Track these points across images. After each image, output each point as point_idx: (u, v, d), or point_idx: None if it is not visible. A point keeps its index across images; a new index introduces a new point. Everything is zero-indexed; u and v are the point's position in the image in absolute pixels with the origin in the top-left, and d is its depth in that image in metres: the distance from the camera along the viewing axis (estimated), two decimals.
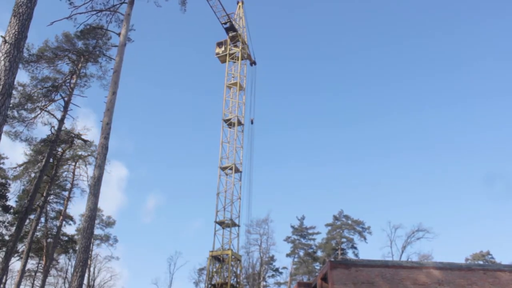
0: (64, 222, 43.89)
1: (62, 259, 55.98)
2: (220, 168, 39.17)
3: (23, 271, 34.13)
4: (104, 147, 16.44)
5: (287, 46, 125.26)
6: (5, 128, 28.33)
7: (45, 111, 29.49)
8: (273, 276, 64.41)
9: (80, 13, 20.33)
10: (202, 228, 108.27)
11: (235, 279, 36.24)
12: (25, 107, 28.76)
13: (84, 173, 42.49)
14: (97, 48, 30.15)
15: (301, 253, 63.15)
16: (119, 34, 19.22)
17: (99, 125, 17.15)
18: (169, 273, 60.63)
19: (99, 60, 30.95)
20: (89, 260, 51.18)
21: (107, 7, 20.71)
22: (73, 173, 43.05)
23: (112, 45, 29.46)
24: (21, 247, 42.53)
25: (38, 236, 44.43)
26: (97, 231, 57.10)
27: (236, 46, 43.80)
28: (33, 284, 49.78)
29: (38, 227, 39.68)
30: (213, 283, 35.04)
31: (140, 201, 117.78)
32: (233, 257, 35.74)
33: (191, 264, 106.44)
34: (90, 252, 45.15)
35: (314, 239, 64.08)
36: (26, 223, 32.52)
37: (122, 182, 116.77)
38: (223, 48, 43.72)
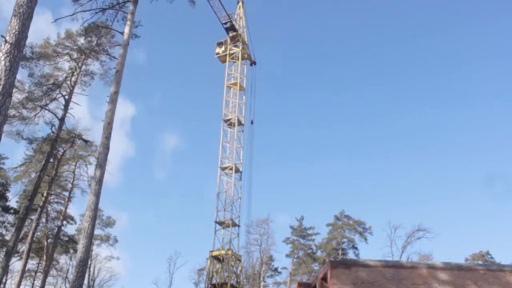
0: (64, 222, 43.94)
1: (62, 259, 56.04)
2: (220, 168, 39.17)
3: (23, 271, 34.16)
4: (105, 147, 16.43)
5: (287, 46, 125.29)
6: (6, 127, 28.28)
7: (46, 109, 29.36)
8: (271, 276, 64.51)
9: (84, 11, 20.29)
10: (202, 228, 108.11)
11: (235, 279, 36.24)
12: (26, 105, 28.64)
13: (85, 173, 42.52)
14: (99, 45, 29.94)
15: (301, 253, 63.17)
16: (122, 33, 19.18)
17: (100, 124, 17.15)
18: (169, 273, 60.61)
19: (100, 58, 30.82)
20: (89, 260, 51.14)
21: (112, 5, 20.65)
22: (74, 173, 43.09)
23: (115, 43, 29.24)
24: (22, 247, 42.52)
25: (39, 236, 44.43)
26: (97, 231, 57.13)
27: (236, 46, 43.77)
28: (33, 284, 49.83)
29: (39, 227, 39.71)
30: (213, 283, 35.05)
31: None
32: (233, 257, 35.75)
33: (191, 264, 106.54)
34: (90, 252, 45.21)
35: (313, 240, 64.18)
36: (26, 223, 32.52)
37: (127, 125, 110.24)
38: (223, 48, 43.70)
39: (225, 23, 43.20)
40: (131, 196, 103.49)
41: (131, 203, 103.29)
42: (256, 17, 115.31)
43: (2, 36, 9.76)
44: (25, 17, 10.01)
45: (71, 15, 19.93)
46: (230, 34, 43.66)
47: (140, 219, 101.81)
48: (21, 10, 10.00)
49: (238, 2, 46.03)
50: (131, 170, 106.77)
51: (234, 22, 43.58)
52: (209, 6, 41.84)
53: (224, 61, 43.58)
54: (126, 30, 18.82)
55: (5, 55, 9.46)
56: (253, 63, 44.82)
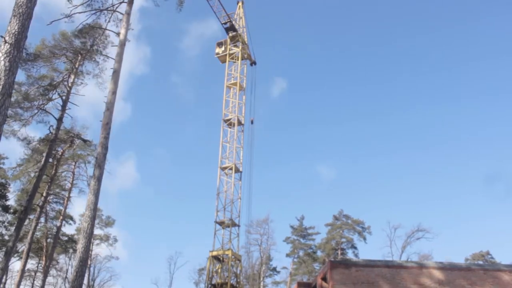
0: (64, 222, 43.91)
1: (62, 259, 56.04)
2: (220, 168, 39.14)
3: (23, 271, 34.12)
4: (104, 147, 16.44)
5: (287, 46, 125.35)
6: (3, 127, 28.18)
7: (43, 110, 29.37)
8: (270, 276, 64.52)
9: (79, 13, 20.28)
10: (202, 228, 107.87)
11: (235, 279, 36.23)
12: (22, 106, 28.64)
13: (84, 172, 42.53)
14: (94, 46, 30.04)
15: (301, 253, 63.21)
16: (118, 34, 19.19)
17: (98, 124, 17.13)
18: (169, 273, 60.60)
19: (96, 59, 30.88)
20: (89, 260, 51.15)
21: (106, 6, 20.66)
22: (73, 172, 43.09)
23: (109, 43, 29.22)
24: (21, 247, 42.52)
25: (38, 236, 44.43)
26: (96, 231, 57.12)
27: (236, 46, 43.76)
28: (33, 284, 49.79)
29: (38, 227, 39.69)
30: (213, 283, 35.02)
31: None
32: (233, 257, 35.74)
33: (191, 264, 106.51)
34: (90, 252, 45.30)
35: (313, 239, 64.25)
36: (26, 223, 32.52)
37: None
38: (223, 48, 43.69)
39: (225, 23, 43.21)
40: (139, 133, 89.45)
41: (139, 141, 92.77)
42: (256, 17, 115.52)
43: (2, 36, 9.76)
44: (25, 18, 10.02)
45: (67, 16, 19.88)
46: (230, 34, 43.65)
47: (148, 163, 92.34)
48: (20, 11, 10.01)
49: (238, 2, 46.07)
50: (142, 93, 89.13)
51: (234, 22, 43.58)
52: (208, 6, 41.93)
53: (224, 61, 43.57)
54: (122, 31, 18.81)
55: (5, 55, 9.47)
56: (253, 63, 44.80)
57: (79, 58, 30.56)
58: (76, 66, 30.56)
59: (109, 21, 21.24)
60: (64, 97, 29.76)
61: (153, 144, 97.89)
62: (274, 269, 64.58)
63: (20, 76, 30.48)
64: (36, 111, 29.29)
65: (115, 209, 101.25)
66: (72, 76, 30.48)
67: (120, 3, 20.44)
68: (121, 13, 20.08)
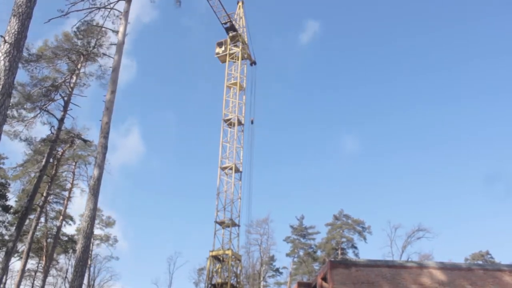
0: (64, 222, 43.93)
1: (62, 259, 56.03)
2: (220, 168, 39.14)
3: (23, 271, 34.14)
4: (104, 147, 16.41)
5: (286, 46, 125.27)
6: (5, 127, 28.19)
7: (45, 110, 29.39)
8: (273, 276, 64.55)
9: (77, 11, 20.17)
10: (202, 228, 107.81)
11: (235, 279, 36.22)
12: (25, 106, 28.67)
13: (84, 173, 42.57)
14: (96, 46, 30.05)
15: (301, 253, 63.19)
16: (117, 32, 19.13)
17: (98, 124, 17.13)
18: (169, 273, 60.55)
19: (97, 59, 30.89)
20: (89, 260, 51.10)
21: (104, 4, 20.58)
22: (73, 173, 43.14)
23: (110, 43, 29.26)
24: (21, 247, 42.52)
25: (38, 236, 44.42)
26: (97, 231, 57.07)
27: (236, 46, 43.76)
28: (33, 284, 49.80)
29: (38, 227, 39.70)
30: (213, 283, 35.02)
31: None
32: (233, 257, 35.73)
33: (191, 264, 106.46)
34: (90, 252, 45.28)
35: (314, 239, 64.23)
36: (26, 223, 32.50)
37: None
38: (223, 48, 43.68)
39: (225, 23, 43.21)
40: (145, 93, 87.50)
41: (144, 103, 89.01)
42: (256, 17, 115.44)
43: (2, 36, 9.75)
44: (24, 17, 10.00)
45: (65, 15, 19.77)
46: (230, 34, 43.65)
47: (153, 129, 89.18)
48: (20, 10, 9.99)
49: (238, 2, 46.08)
50: (150, 45, 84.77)
51: (234, 22, 43.57)
52: (209, 6, 41.94)
53: (224, 61, 43.57)
54: (121, 29, 18.73)
55: (5, 55, 9.45)
56: (253, 63, 44.79)
57: (81, 59, 30.59)
58: (78, 67, 30.58)
59: (106, 19, 21.15)
60: (66, 98, 29.79)
61: (159, 107, 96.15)
62: (277, 270, 64.66)
63: (24, 77, 30.41)
64: (38, 111, 29.34)
65: (118, 187, 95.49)
66: (74, 77, 30.51)
67: (118, 0, 20.32)
68: (118, 11, 20.02)
